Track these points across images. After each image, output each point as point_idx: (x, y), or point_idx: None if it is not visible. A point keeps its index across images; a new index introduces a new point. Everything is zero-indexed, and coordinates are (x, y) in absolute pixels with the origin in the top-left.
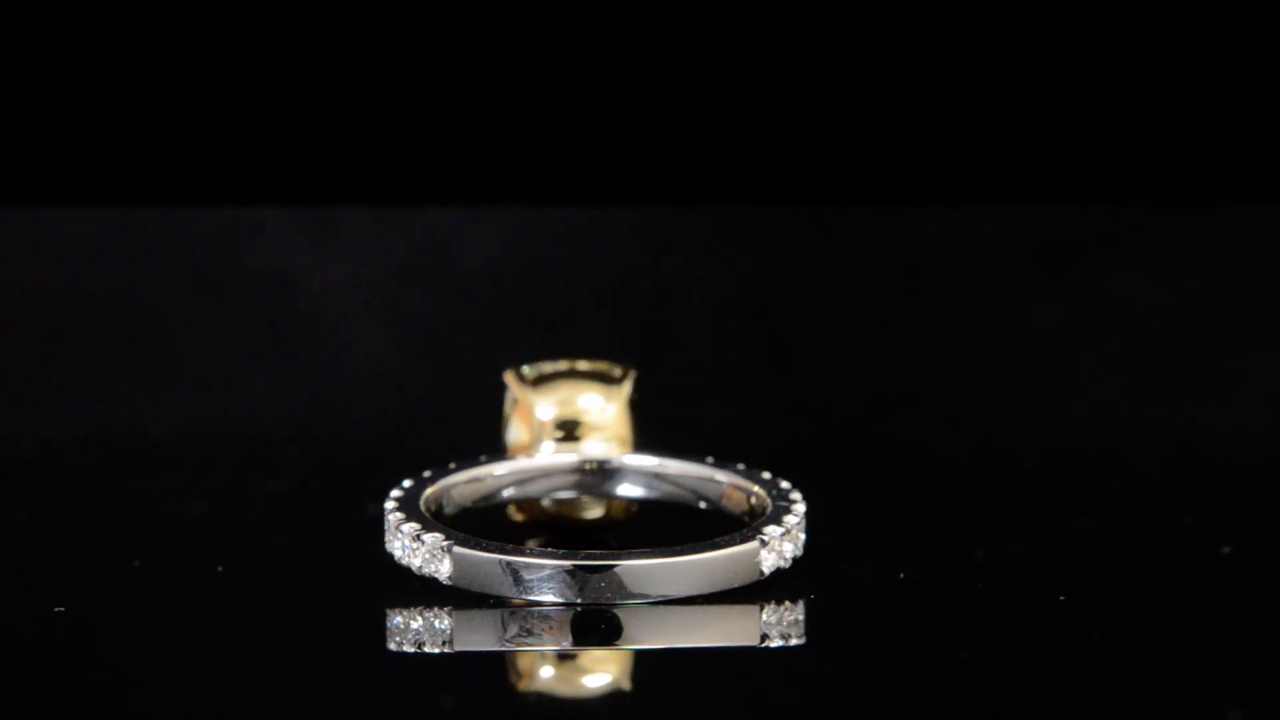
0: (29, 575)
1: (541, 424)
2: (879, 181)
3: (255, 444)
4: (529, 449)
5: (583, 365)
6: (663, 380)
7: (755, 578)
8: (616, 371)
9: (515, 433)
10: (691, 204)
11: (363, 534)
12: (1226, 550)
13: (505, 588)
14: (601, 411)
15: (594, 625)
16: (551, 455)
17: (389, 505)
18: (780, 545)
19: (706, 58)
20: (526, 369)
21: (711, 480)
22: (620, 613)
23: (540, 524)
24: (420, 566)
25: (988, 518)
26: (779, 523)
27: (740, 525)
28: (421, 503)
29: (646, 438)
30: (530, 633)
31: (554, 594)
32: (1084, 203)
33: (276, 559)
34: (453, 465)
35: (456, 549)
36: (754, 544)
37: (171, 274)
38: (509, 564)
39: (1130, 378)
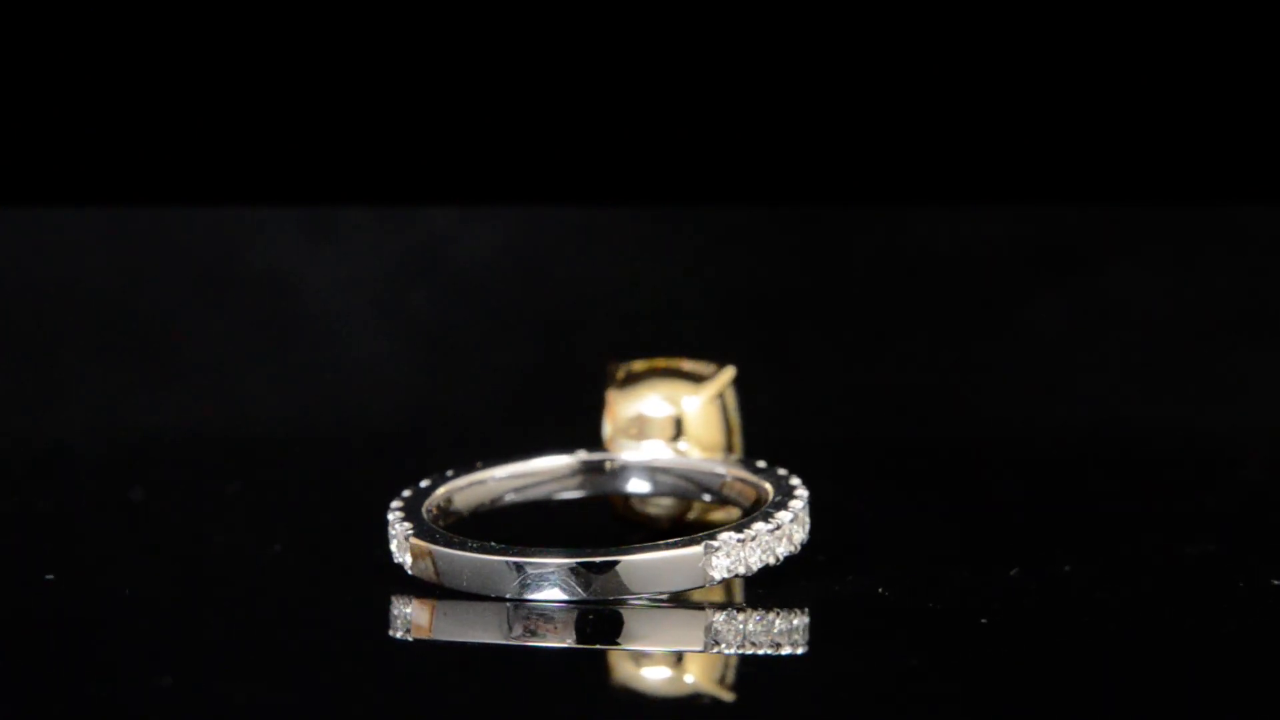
0: (32, 575)
1: (623, 421)
2: (879, 181)
3: (253, 444)
4: (611, 446)
5: (678, 364)
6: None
7: (702, 582)
8: (707, 371)
9: (605, 429)
10: (691, 204)
11: (365, 534)
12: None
13: (449, 578)
14: (680, 411)
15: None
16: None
17: (394, 506)
18: (742, 551)
19: (706, 58)
20: (623, 366)
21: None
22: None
23: (641, 525)
24: (395, 556)
25: (982, 523)
26: (742, 529)
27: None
28: (425, 506)
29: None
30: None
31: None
32: (1084, 203)
33: (277, 557)
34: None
35: (412, 539)
36: (698, 548)
37: (171, 274)
38: (435, 553)
39: (1130, 377)
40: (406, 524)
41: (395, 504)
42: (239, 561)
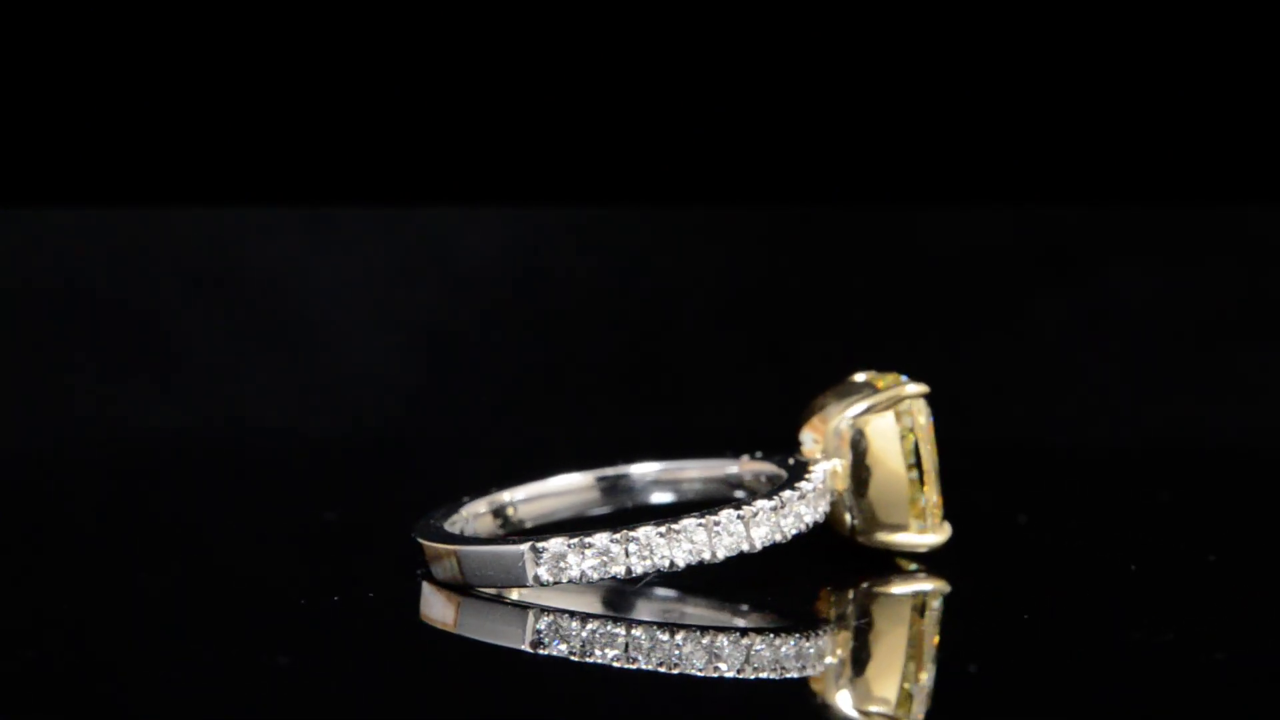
0: (38, 577)
1: (804, 435)
2: (879, 181)
3: (251, 445)
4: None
5: (876, 379)
6: (660, 380)
7: (521, 583)
8: (882, 383)
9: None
10: (691, 204)
11: (368, 535)
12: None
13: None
14: (856, 427)
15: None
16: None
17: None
18: (576, 559)
19: (706, 58)
20: (860, 375)
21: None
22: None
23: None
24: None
25: (977, 526)
26: (598, 529)
27: None
28: (448, 522)
29: (651, 443)
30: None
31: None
32: (1084, 203)
33: (278, 558)
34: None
35: (433, 543)
36: (522, 548)
37: (171, 274)
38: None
39: (1130, 378)
40: (428, 528)
41: (419, 523)
42: (242, 563)
